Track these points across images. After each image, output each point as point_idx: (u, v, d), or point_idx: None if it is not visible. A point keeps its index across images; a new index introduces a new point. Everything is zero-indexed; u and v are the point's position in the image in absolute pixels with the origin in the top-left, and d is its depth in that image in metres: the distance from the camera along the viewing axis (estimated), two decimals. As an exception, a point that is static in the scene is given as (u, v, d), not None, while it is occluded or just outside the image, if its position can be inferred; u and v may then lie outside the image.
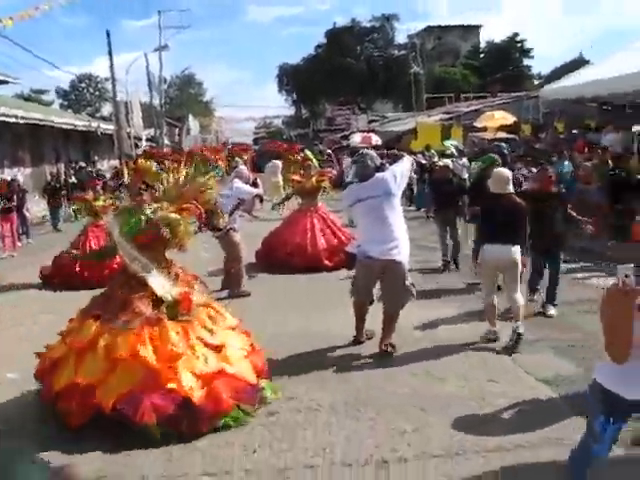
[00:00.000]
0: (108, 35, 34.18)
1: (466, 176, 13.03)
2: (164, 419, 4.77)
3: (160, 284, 5.37)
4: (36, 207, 22.72)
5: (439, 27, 68.02)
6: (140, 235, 5.51)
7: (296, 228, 11.91)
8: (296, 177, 12.39)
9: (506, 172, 7.44)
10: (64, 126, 28.86)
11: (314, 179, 12.10)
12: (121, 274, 5.72)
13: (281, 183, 21.74)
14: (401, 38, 59.41)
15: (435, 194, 11.81)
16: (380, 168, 6.87)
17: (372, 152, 7.26)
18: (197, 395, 4.90)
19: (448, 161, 12.26)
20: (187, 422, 4.84)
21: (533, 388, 5.73)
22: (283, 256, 11.61)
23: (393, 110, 54.99)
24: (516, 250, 6.90)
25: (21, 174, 23.74)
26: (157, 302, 5.32)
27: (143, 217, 5.59)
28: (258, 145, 47.51)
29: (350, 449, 4.66)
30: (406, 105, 51.34)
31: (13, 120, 22.62)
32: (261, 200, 18.94)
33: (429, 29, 66.32)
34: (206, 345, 5.26)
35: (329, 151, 29.75)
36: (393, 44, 58.76)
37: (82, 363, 5.09)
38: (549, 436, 4.68)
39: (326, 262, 11.31)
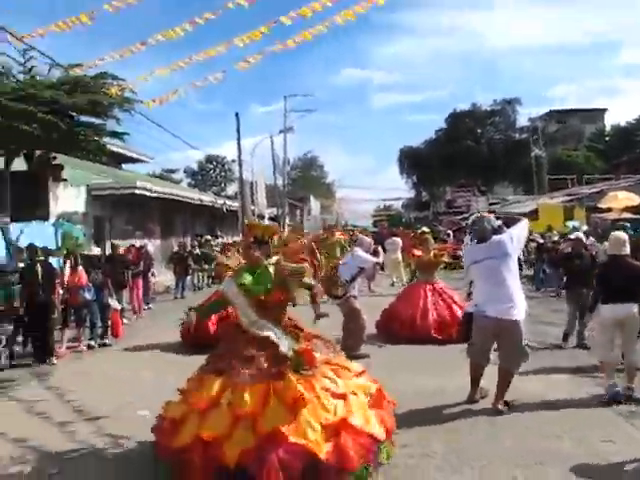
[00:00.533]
0: (237, 116, 36.22)
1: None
2: (290, 478, 4.56)
3: (282, 341, 5.31)
4: (163, 277, 23.95)
5: (562, 111, 67.47)
6: (272, 292, 5.46)
7: (409, 301, 11.95)
8: (417, 252, 12.46)
9: (623, 235, 7.49)
10: (193, 201, 30.48)
11: (432, 253, 12.18)
12: (240, 331, 5.59)
13: (400, 260, 21.96)
14: (522, 121, 59.18)
15: (566, 270, 11.34)
16: (497, 230, 6.98)
17: (490, 215, 7.41)
18: (324, 450, 4.70)
19: (580, 234, 11.87)
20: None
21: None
22: (397, 327, 11.62)
23: (513, 193, 54.42)
24: (635, 307, 6.87)
25: (151, 245, 25.13)
26: (278, 359, 5.21)
27: (269, 270, 5.54)
28: (377, 228, 48.22)
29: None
30: (526, 188, 50.74)
31: (147, 194, 24.19)
32: (382, 268, 19.32)
33: (552, 113, 65.87)
34: (332, 395, 5.10)
35: (449, 231, 29.95)
36: (514, 127, 58.56)
37: (206, 420, 4.97)
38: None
39: (435, 334, 11.15)
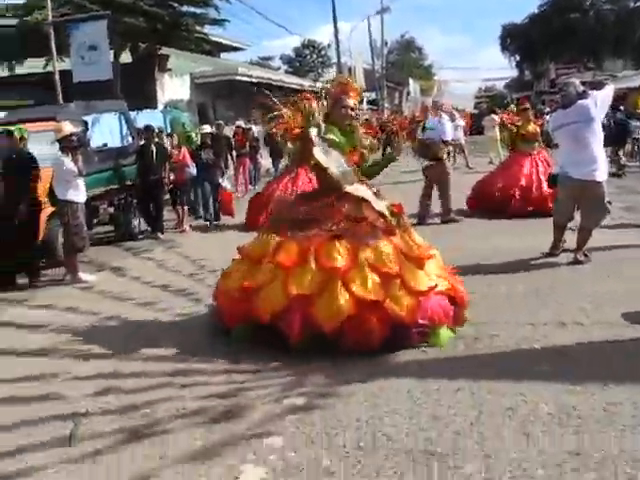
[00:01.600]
0: (333, 1, 35.99)
1: None
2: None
3: (376, 199, 5.24)
4: (264, 160, 25.06)
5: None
6: (353, 152, 5.41)
7: (516, 171, 11.40)
8: (516, 120, 11.83)
9: None
10: (292, 86, 31.07)
11: (532, 124, 11.70)
12: (318, 198, 5.40)
13: (497, 137, 21.98)
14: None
15: None
16: (582, 95, 7.30)
17: (576, 80, 7.79)
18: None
19: None
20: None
21: None
22: (500, 200, 11.16)
23: (624, 68, 51.51)
24: None
25: (255, 128, 26.17)
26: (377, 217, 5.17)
27: (355, 132, 5.48)
28: (478, 109, 47.43)
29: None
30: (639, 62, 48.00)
31: (248, 79, 24.99)
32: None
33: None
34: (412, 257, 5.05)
35: (548, 109, 29.37)
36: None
37: (253, 270, 5.21)
38: None
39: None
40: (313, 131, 5.22)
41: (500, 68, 73.41)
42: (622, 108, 22.23)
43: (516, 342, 4.90)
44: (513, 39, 61.17)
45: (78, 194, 8.30)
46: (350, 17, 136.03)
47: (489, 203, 11.33)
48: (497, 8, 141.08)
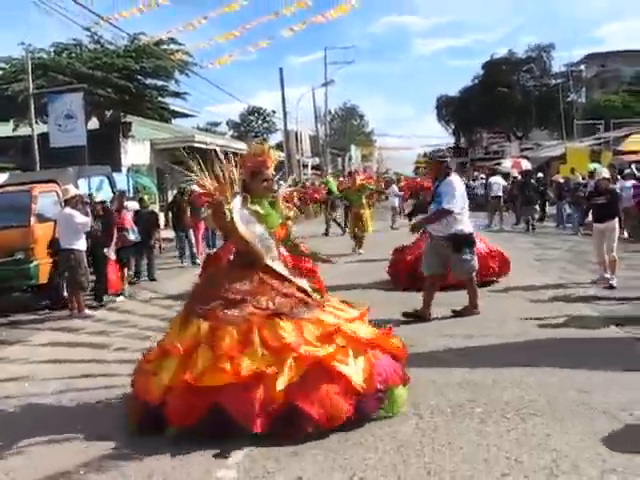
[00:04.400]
0: (281, 71, 38.64)
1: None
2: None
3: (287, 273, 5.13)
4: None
5: (602, 54, 67.12)
6: (280, 228, 5.35)
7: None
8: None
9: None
10: (242, 152, 33.12)
11: None
12: (236, 266, 5.18)
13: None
14: (558, 67, 59.93)
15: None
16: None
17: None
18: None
19: (604, 172, 11.21)
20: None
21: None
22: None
23: (549, 138, 55.67)
24: None
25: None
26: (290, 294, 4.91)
27: (279, 211, 5.38)
28: (417, 174, 50.43)
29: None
30: (562, 133, 51.99)
31: (203, 146, 26.94)
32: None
33: (592, 56, 65.84)
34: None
35: (483, 176, 32.18)
36: (550, 73, 59.43)
37: (187, 363, 4.55)
38: None
39: None
40: (236, 201, 4.99)
41: (437, 137, 77.44)
42: (540, 175, 25.15)
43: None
44: (448, 109, 65.31)
45: (83, 243, 10.00)
46: (293, 83, 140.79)
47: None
48: (434, 79, 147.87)
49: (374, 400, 4.50)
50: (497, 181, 23.60)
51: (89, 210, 10.58)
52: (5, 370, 7.06)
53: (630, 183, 17.08)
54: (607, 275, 9.82)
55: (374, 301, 7.72)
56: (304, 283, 5.10)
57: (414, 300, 8.46)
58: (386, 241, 14.43)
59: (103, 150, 22.27)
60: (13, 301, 11.32)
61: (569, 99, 53.58)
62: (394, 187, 25.43)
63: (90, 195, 12.47)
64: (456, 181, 8.31)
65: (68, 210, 9.94)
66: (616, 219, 10.17)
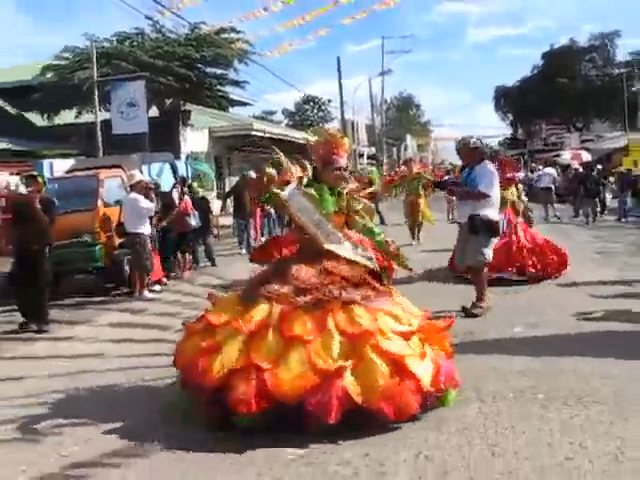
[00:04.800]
0: (338, 61, 38.69)
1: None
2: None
3: (361, 255, 4.93)
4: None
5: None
6: (337, 215, 5.03)
7: None
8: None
9: None
10: (300, 141, 33.34)
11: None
12: (302, 253, 5.06)
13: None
14: (622, 55, 58.32)
15: None
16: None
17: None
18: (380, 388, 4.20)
19: None
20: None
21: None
22: None
23: (611, 129, 54.32)
24: None
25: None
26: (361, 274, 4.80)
27: (343, 195, 5.12)
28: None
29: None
30: (625, 124, 50.75)
31: (261, 134, 27.22)
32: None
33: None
34: (396, 333, 4.53)
35: (540, 167, 31.60)
36: (614, 62, 57.89)
37: (255, 344, 4.34)
38: None
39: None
40: (291, 185, 4.91)
41: (494, 127, 76.28)
42: (600, 167, 24.71)
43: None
44: (506, 100, 64.27)
45: (147, 227, 10.27)
46: (349, 72, 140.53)
47: None
48: (493, 68, 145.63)
49: (434, 399, 4.42)
50: (548, 172, 23.12)
51: (154, 196, 10.84)
52: (74, 348, 7.37)
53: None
54: None
55: (434, 292, 7.77)
56: (373, 262, 4.93)
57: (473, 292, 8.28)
58: (445, 232, 14.30)
59: (163, 138, 22.69)
60: (77, 283, 11.70)
61: (634, 89, 52.12)
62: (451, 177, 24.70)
63: (155, 182, 12.61)
64: (492, 167, 8.12)
65: (133, 195, 10.22)
66: None
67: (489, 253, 7.84)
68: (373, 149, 53.18)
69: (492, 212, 7.85)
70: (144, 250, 10.16)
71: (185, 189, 13.62)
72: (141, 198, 10.15)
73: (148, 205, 10.18)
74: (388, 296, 4.74)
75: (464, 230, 7.99)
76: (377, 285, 4.75)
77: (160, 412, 4.81)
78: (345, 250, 4.83)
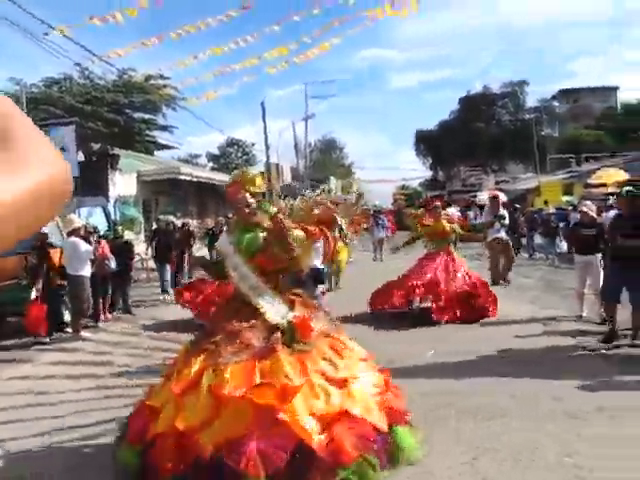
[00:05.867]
0: (263, 107, 39.47)
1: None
2: (273, 470, 3.92)
3: (275, 309, 4.71)
4: (199, 253, 27.45)
5: (573, 89, 69.30)
6: (259, 253, 4.87)
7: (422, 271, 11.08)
8: (425, 221, 11.65)
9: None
10: (224, 184, 33.86)
11: (444, 222, 11.49)
12: (229, 303, 5.14)
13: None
14: (532, 101, 61.78)
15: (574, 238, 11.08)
16: None
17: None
18: (316, 440, 4.05)
19: (589, 204, 11.11)
20: (300, 475, 3.98)
21: None
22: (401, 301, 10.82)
23: (524, 171, 57.16)
24: None
25: (191, 224, 28.70)
26: (270, 333, 4.60)
27: (260, 233, 4.93)
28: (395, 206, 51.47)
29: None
30: (536, 166, 53.51)
31: (188, 178, 27.65)
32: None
33: (564, 91, 67.97)
34: (327, 380, 4.41)
35: (458, 208, 32.98)
36: (524, 108, 61.25)
37: (183, 405, 4.33)
38: None
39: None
40: (223, 234, 5.28)
41: (415, 169, 78.82)
42: (518, 206, 26.16)
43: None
44: (425, 143, 66.84)
45: (87, 270, 10.61)
46: (274, 116, 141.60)
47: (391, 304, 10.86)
48: (412, 112, 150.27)
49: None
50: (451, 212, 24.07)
51: (92, 239, 11.20)
52: (14, 386, 7.67)
53: (612, 213, 17.05)
54: (584, 313, 10.01)
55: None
56: (284, 319, 4.68)
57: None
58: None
59: (91, 181, 22.84)
60: (9, 326, 11.77)
61: (543, 133, 55.14)
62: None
63: (94, 226, 12.60)
64: None
65: (73, 239, 10.55)
66: (600, 253, 9.73)
67: None
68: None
69: None
70: (83, 292, 10.48)
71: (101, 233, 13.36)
72: (81, 242, 10.49)
73: (88, 248, 10.54)
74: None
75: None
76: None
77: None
78: (265, 303, 4.73)
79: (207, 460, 3.99)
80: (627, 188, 8.75)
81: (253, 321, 4.60)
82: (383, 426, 4.29)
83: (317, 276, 7.75)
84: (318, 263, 7.59)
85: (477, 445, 4.72)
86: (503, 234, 14.09)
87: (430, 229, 11.45)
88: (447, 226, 11.43)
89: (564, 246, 20.54)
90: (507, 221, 14.28)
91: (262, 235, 4.88)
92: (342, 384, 4.37)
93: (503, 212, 14.31)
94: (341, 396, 4.28)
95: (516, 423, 5.14)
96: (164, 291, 14.90)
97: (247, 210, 4.96)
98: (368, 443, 4.14)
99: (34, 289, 10.46)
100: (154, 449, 4.29)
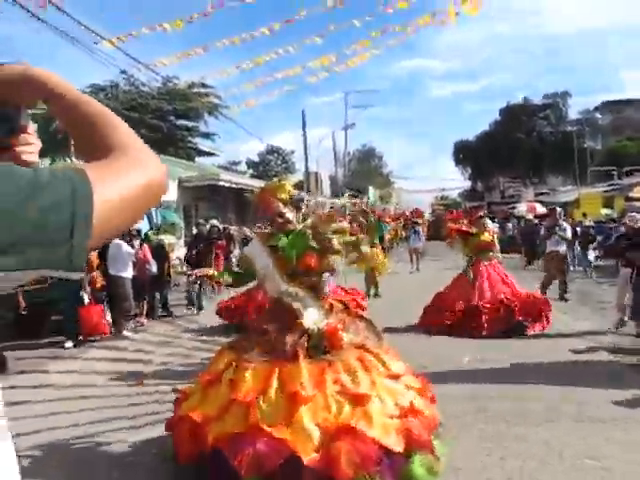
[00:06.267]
0: (303, 115, 39.92)
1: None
2: (266, 473, 3.97)
3: (310, 314, 4.69)
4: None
5: (617, 101, 68.42)
6: (306, 252, 4.83)
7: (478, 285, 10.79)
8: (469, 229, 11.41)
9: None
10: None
11: (487, 233, 11.26)
12: (270, 307, 5.14)
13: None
14: (574, 113, 61.27)
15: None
16: None
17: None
18: (310, 456, 3.99)
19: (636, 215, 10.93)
20: None
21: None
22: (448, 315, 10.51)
23: (564, 183, 56.70)
24: None
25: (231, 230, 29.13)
26: (300, 338, 4.62)
27: (307, 234, 4.91)
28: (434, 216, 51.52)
29: None
30: (576, 179, 53.06)
31: (227, 185, 28.11)
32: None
33: (608, 103, 67.21)
34: (344, 393, 4.30)
35: (496, 219, 32.83)
36: (566, 120, 60.77)
37: (206, 395, 4.56)
38: None
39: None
40: (254, 241, 5.17)
41: (454, 179, 78.50)
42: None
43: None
44: (465, 154, 66.68)
45: (129, 271, 10.98)
46: (314, 123, 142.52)
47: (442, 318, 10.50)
48: (452, 122, 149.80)
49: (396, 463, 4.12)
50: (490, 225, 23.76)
51: (135, 243, 11.56)
52: (61, 380, 8.02)
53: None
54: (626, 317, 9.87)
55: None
56: (320, 330, 4.63)
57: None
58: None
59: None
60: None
61: (585, 145, 54.64)
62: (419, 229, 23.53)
63: (138, 229, 12.76)
64: None
65: (117, 240, 10.92)
66: None
67: None
68: (336, 200, 54.39)
69: None
70: (125, 292, 10.85)
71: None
72: (124, 244, 10.87)
73: (130, 250, 10.92)
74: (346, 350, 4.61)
75: None
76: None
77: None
78: (307, 314, 4.69)
79: (210, 451, 4.15)
80: None
81: (286, 326, 4.61)
82: (396, 448, 4.08)
83: None
84: None
85: (505, 445, 4.87)
86: (562, 247, 13.51)
87: (475, 240, 11.14)
88: (491, 238, 11.20)
89: (591, 256, 20.48)
90: (568, 234, 13.77)
91: (306, 233, 4.87)
92: (359, 400, 4.23)
93: (563, 224, 13.79)
94: (354, 412, 4.16)
95: (543, 427, 5.28)
96: (191, 303, 13.93)
97: (280, 220, 4.99)
98: (370, 463, 3.95)
99: (84, 292, 10.72)
100: (174, 433, 4.60)
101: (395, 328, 10.18)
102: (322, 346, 4.52)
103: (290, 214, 5.00)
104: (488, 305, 10.26)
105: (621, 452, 4.67)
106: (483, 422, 5.47)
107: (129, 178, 0.98)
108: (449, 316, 10.36)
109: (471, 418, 5.59)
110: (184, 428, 4.40)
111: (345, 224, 5.18)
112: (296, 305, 4.65)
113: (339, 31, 15.10)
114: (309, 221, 5.07)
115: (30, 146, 1.15)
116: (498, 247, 11.41)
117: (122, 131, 1.08)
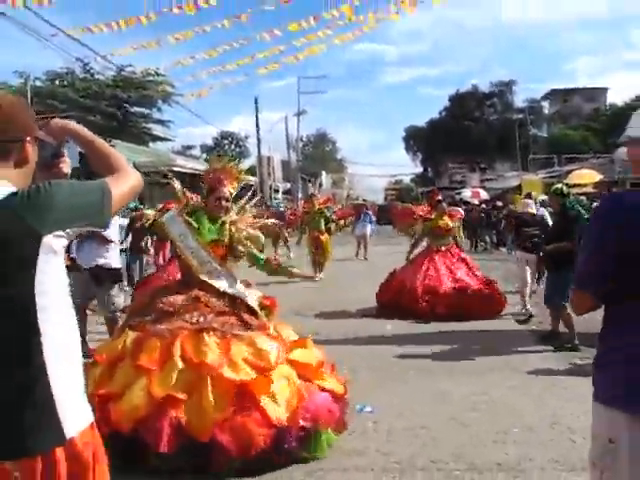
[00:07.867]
0: (256, 102, 40.65)
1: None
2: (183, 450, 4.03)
3: (226, 283, 4.82)
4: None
5: (565, 90, 70.21)
6: (218, 245, 4.93)
7: (428, 269, 10.64)
8: (422, 212, 11.42)
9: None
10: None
11: (445, 218, 11.02)
12: (171, 284, 5.32)
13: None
14: (522, 101, 63.23)
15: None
16: None
17: None
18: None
19: (529, 201, 11.55)
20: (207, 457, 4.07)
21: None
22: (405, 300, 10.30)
23: (510, 169, 58.48)
24: None
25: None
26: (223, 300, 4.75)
27: (226, 226, 5.02)
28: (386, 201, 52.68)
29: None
30: (523, 165, 54.82)
31: (183, 170, 28.74)
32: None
33: (555, 91, 69.11)
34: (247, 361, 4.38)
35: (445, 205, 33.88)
36: (513, 108, 62.68)
37: (110, 374, 4.41)
38: None
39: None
40: (172, 210, 5.03)
41: (406, 165, 79.76)
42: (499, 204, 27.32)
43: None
44: (416, 140, 68.19)
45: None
46: (267, 108, 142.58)
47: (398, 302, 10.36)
48: (405, 107, 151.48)
49: (295, 437, 4.21)
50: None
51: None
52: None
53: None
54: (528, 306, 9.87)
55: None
56: (252, 299, 4.87)
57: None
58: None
59: (90, 171, 23.97)
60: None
61: (530, 133, 56.50)
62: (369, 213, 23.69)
63: None
64: None
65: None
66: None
67: None
68: (288, 185, 55.15)
69: None
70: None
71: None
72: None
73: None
74: (260, 329, 4.66)
75: None
76: (247, 318, 4.69)
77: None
78: (220, 284, 4.78)
79: (126, 433, 4.06)
80: (557, 186, 8.65)
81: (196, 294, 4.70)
82: (282, 417, 4.18)
83: (115, 275, 7.72)
84: (116, 263, 7.76)
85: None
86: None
87: (432, 224, 10.94)
88: (450, 223, 10.96)
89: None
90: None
91: (225, 225, 4.98)
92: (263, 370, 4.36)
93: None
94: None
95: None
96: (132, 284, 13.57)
97: (217, 203, 4.97)
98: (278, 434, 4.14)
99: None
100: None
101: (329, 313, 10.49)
102: (271, 315, 4.92)
103: (229, 203, 5.03)
104: (435, 290, 10.14)
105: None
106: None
107: (126, 184, 2.02)
108: (397, 297, 10.33)
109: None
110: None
111: (260, 234, 5.20)
112: (206, 278, 4.75)
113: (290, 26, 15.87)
114: (234, 215, 5.12)
115: (65, 164, 2.18)
116: (461, 232, 11.50)
117: (118, 157, 2.12)
